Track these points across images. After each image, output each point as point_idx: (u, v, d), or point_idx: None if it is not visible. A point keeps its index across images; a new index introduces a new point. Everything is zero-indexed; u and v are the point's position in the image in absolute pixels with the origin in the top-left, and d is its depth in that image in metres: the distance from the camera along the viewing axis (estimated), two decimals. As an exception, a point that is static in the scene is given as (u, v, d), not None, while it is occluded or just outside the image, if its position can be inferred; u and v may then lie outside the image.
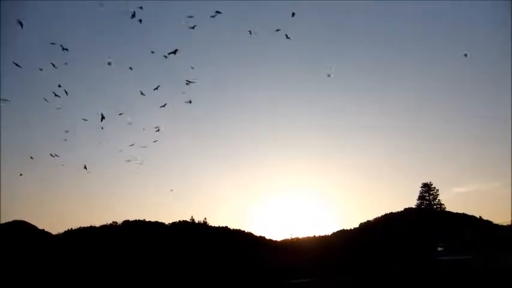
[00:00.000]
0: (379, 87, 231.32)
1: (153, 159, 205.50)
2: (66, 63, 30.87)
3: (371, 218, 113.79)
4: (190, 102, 35.21)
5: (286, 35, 32.95)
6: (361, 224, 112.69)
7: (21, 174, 70.68)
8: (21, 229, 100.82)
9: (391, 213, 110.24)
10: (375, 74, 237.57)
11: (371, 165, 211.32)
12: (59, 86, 31.08)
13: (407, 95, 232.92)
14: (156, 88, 32.93)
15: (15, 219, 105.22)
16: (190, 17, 31.23)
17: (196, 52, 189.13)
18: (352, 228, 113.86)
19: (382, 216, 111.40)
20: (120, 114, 41.08)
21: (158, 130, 38.22)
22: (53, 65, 29.02)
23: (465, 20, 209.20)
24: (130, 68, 36.66)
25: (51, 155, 35.82)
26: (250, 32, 35.18)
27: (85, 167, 42.52)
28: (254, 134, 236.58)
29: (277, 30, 33.24)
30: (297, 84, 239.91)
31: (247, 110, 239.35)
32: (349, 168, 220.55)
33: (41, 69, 30.95)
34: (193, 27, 30.54)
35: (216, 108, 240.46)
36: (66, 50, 28.22)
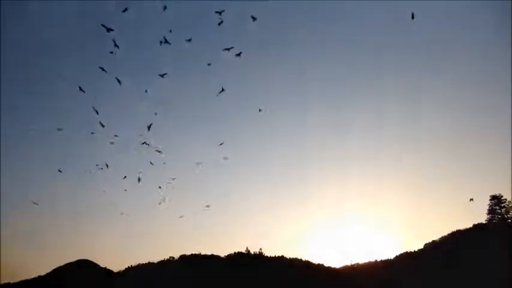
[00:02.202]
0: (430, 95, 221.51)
1: (202, 188, 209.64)
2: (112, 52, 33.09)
3: (436, 237, 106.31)
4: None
5: (413, 14, 33.20)
6: (426, 245, 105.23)
7: (35, 203, 75.02)
8: (86, 267, 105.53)
9: (459, 230, 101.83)
10: (421, 80, 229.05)
11: (431, 180, 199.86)
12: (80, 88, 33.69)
13: (467, 100, 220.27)
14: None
15: (80, 258, 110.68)
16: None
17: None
18: (416, 250, 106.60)
19: (449, 234, 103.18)
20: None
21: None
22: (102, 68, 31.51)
23: (465, 20, 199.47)
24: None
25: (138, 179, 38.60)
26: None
27: (139, 179, 44.56)
28: (309, 160, 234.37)
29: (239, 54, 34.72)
30: (349, 101, 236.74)
31: (299, 136, 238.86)
32: (408, 186, 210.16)
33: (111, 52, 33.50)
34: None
35: (268, 134, 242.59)
36: (112, 30, 30.34)
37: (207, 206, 63.08)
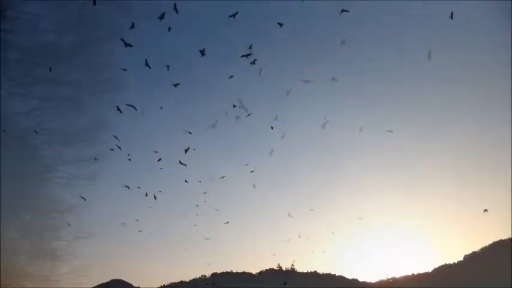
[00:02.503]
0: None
1: (231, 203, 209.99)
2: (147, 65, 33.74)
3: (477, 248, 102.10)
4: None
5: (451, 14, 32.19)
6: (465, 257, 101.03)
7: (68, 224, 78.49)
8: (119, 287, 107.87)
9: (501, 240, 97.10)
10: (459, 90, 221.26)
11: (470, 188, 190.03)
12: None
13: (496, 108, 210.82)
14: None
15: (113, 278, 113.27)
16: None
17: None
18: (455, 262, 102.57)
19: (490, 245, 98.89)
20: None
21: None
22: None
23: (465, 20, 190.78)
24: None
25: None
26: None
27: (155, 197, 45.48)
28: (340, 172, 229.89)
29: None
30: (377, 111, 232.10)
31: (326, 146, 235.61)
32: (445, 195, 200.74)
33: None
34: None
35: (297, 147, 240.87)
36: (131, 46, 30.48)
37: (227, 222, 62.53)
